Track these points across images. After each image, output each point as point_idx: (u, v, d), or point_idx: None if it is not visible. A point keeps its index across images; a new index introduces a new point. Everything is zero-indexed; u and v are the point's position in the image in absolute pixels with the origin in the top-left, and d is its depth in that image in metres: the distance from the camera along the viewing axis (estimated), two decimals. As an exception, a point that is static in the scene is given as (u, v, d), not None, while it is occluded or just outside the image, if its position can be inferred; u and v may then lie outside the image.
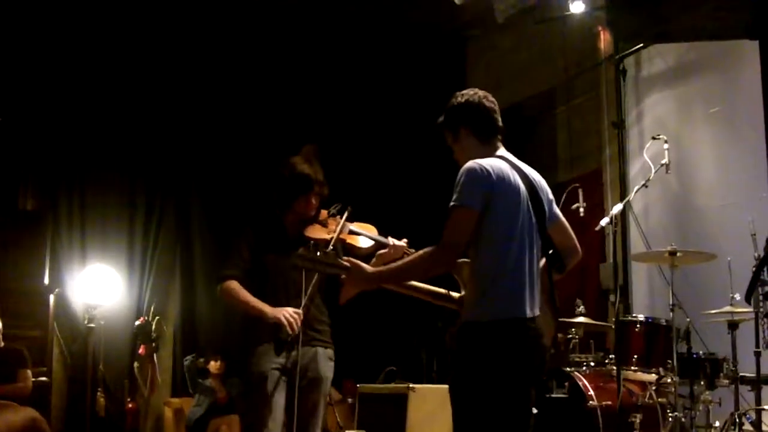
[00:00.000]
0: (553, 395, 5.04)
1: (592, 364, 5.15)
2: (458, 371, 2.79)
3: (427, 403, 5.32)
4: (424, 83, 8.01)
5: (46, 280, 6.85)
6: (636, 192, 5.17)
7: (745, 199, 5.49)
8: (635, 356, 4.81)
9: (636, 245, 6.18)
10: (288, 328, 3.66)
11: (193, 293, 7.56)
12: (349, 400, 6.87)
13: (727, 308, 4.71)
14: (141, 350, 7.00)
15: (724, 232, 5.56)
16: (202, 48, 7.60)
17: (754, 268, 4.29)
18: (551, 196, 3.07)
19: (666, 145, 5.17)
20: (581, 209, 5.33)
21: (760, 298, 4.29)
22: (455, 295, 3.05)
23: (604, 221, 4.98)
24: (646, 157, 5.35)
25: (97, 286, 6.85)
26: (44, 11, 7.00)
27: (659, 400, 4.77)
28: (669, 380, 4.73)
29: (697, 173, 6.08)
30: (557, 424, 4.83)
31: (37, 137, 7.09)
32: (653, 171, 5.14)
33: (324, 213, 3.92)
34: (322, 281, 3.74)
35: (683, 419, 4.65)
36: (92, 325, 6.73)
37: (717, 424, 4.74)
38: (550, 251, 2.96)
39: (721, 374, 4.77)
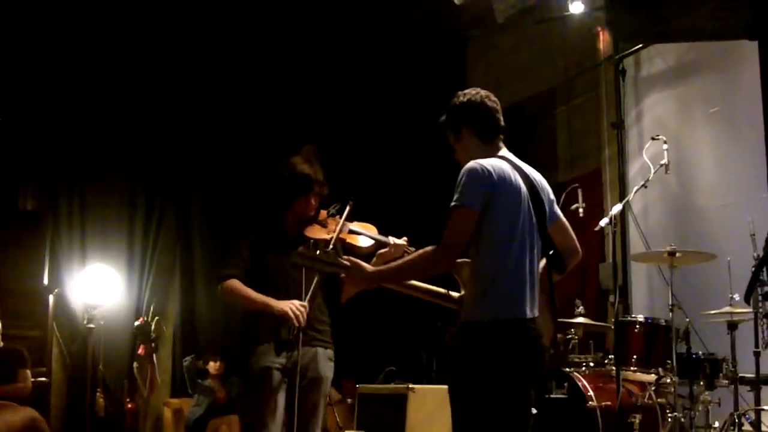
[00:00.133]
0: (553, 396, 5.04)
1: (592, 364, 5.15)
2: (457, 371, 2.79)
3: (426, 403, 5.32)
4: (424, 83, 8.01)
5: (46, 280, 6.85)
6: (635, 192, 5.17)
7: (745, 200, 5.49)
8: (635, 356, 4.81)
9: (635, 245, 6.18)
10: (295, 321, 3.65)
11: (192, 293, 7.56)
12: (349, 400, 6.87)
13: (727, 308, 4.71)
14: (140, 350, 7.00)
15: (723, 233, 5.56)
16: (202, 48, 7.60)
17: (753, 269, 4.28)
18: (552, 197, 3.07)
19: (665, 146, 5.17)
20: (581, 209, 5.33)
21: (760, 298, 4.29)
22: (455, 294, 3.05)
23: (603, 221, 4.98)
24: (646, 157, 5.35)
25: (97, 287, 6.84)
26: (44, 11, 7.00)
27: (659, 400, 4.77)
28: (668, 380, 4.73)
29: (697, 173, 6.08)
30: (557, 425, 4.83)
31: (37, 137, 7.09)
32: (653, 171, 5.14)
33: (323, 213, 3.92)
34: (322, 281, 3.74)
35: (682, 419, 4.66)
36: (92, 325, 6.73)
37: (716, 424, 4.74)
38: (551, 252, 2.96)
39: (721, 374, 4.77)
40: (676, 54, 6.35)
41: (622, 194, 6.22)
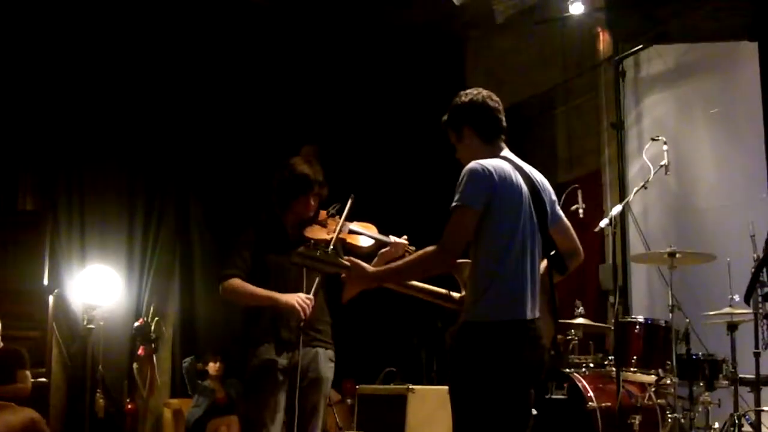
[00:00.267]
0: (553, 396, 5.03)
1: (592, 365, 5.14)
2: (457, 371, 2.79)
3: (426, 404, 5.32)
4: (423, 84, 8.01)
5: (46, 281, 6.83)
6: (635, 193, 5.17)
7: (745, 200, 5.49)
8: (634, 357, 4.81)
9: (635, 246, 6.19)
10: (301, 313, 3.65)
11: (192, 294, 7.55)
12: (349, 400, 6.86)
13: (727, 309, 4.71)
14: (140, 351, 7.00)
15: (723, 234, 5.55)
16: (201, 48, 7.60)
17: (753, 269, 4.29)
18: (554, 197, 3.07)
19: (665, 147, 5.17)
20: (580, 210, 5.33)
21: (759, 299, 4.29)
22: (456, 295, 3.05)
23: (603, 222, 4.98)
24: (646, 158, 5.35)
25: (97, 287, 6.83)
26: (43, 12, 7.00)
27: (658, 401, 4.77)
28: (668, 381, 4.73)
29: (697, 174, 6.08)
30: (556, 426, 4.82)
31: (37, 137, 7.08)
32: (652, 172, 5.15)
33: (323, 213, 3.92)
34: (323, 281, 3.75)
35: (682, 420, 4.66)
36: (91, 326, 6.72)
37: (716, 425, 4.74)
38: (552, 252, 2.96)
39: (721, 375, 4.77)
40: (676, 55, 6.36)
41: (621, 195, 6.23)
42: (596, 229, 5.06)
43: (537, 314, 2.84)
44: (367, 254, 3.64)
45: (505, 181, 2.83)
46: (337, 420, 6.25)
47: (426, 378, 7.19)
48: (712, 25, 5.57)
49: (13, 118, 6.86)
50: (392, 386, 5.77)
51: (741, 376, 4.69)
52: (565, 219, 3.09)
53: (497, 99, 3.05)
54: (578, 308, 5.29)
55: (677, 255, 4.83)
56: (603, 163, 6.94)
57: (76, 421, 6.72)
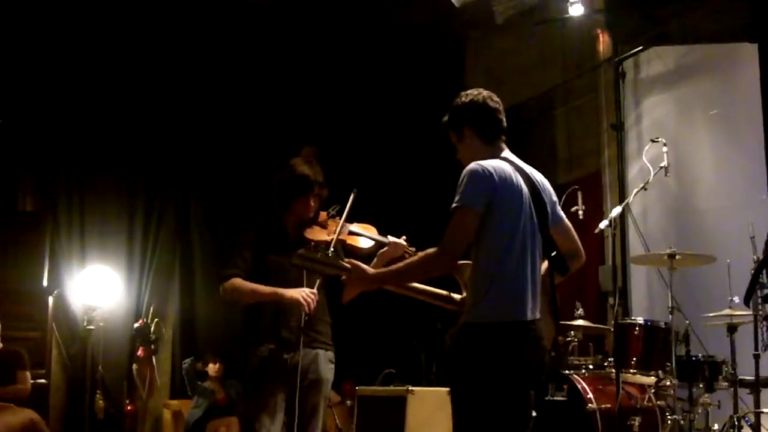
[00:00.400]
0: (552, 398, 5.03)
1: (591, 366, 5.14)
2: (457, 373, 2.79)
3: (425, 405, 5.31)
4: (422, 84, 8.01)
5: (45, 282, 6.83)
6: (635, 194, 5.17)
7: (744, 202, 5.50)
8: (634, 359, 4.81)
9: (635, 248, 6.19)
10: (306, 308, 3.66)
11: (192, 295, 7.55)
12: (348, 402, 6.86)
13: (726, 311, 4.71)
14: (140, 352, 7.00)
15: (723, 235, 5.56)
16: (201, 48, 7.60)
17: (753, 271, 4.29)
18: (555, 198, 3.06)
19: (665, 148, 5.17)
20: (580, 212, 5.33)
21: (759, 300, 4.29)
22: (456, 296, 3.04)
23: (603, 224, 4.98)
24: (645, 159, 5.35)
25: (96, 288, 6.83)
26: (43, 13, 7.00)
27: (658, 402, 4.76)
28: (668, 383, 4.72)
29: (696, 176, 6.08)
30: (556, 427, 4.82)
31: (37, 138, 7.08)
32: (652, 173, 5.14)
33: (323, 214, 3.93)
34: (324, 282, 3.75)
35: (682, 422, 4.66)
36: (91, 326, 6.72)
37: (716, 427, 4.74)
38: (553, 253, 2.96)
39: (720, 377, 4.77)
40: (676, 56, 6.36)
41: (621, 196, 6.23)
42: (596, 231, 5.06)
43: (538, 315, 2.83)
44: (367, 255, 3.65)
45: (505, 181, 2.83)
46: (337, 421, 6.26)
47: (425, 379, 7.18)
48: (712, 26, 5.58)
49: (13, 118, 6.86)
50: (392, 388, 5.76)
51: (741, 377, 4.69)
52: (566, 220, 3.09)
53: (498, 99, 3.05)
54: (578, 310, 5.29)
55: (677, 256, 4.83)
56: (603, 165, 6.94)
57: (76, 421, 6.72)
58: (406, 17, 7.83)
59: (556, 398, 4.99)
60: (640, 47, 6.42)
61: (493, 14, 6.64)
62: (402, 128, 8.02)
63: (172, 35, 7.49)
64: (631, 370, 4.81)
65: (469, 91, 3.06)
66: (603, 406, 4.70)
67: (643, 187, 5.13)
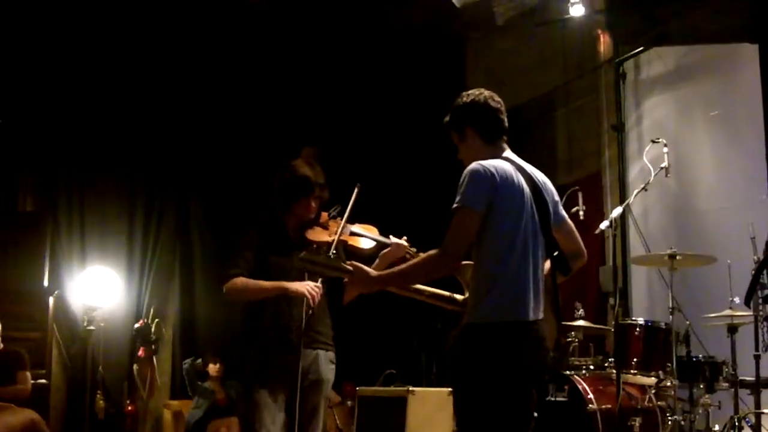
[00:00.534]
0: (553, 399, 5.03)
1: (592, 367, 5.15)
2: (460, 374, 2.78)
3: (426, 406, 5.32)
4: (423, 85, 8.01)
5: (46, 282, 6.83)
6: (636, 195, 5.17)
7: (745, 202, 5.50)
8: (635, 359, 4.81)
9: (635, 248, 6.19)
10: (311, 301, 3.66)
11: (192, 295, 7.55)
12: (349, 402, 6.86)
13: (727, 311, 4.71)
14: (140, 352, 7.00)
15: (723, 235, 5.56)
16: (201, 48, 7.60)
17: (753, 272, 4.29)
18: (557, 198, 3.06)
19: (665, 149, 5.18)
20: (581, 212, 5.34)
21: (760, 301, 4.29)
22: (459, 297, 3.04)
23: (603, 224, 4.99)
24: (646, 160, 5.36)
25: (97, 288, 6.83)
26: (43, 13, 7.00)
27: (659, 403, 4.77)
28: (668, 383, 4.73)
29: (697, 176, 6.09)
30: (557, 428, 4.83)
31: (37, 138, 7.08)
32: (653, 174, 5.15)
33: (324, 215, 3.92)
34: (324, 283, 3.74)
35: (682, 423, 4.66)
36: (91, 327, 6.72)
37: (716, 427, 4.74)
38: (555, 253, 2.95)
39: (721, 378, 4.77)
40: (676, 57, 6.36)
41: (622, 197, 6.23)
42: (596, 231, 5.06)
43: (540, 315, 2.82)
44: (369, 256, 3.65)
45: (506, 181, 2.82)
46: (338, 422, 6.26)
47: (426, 380, 7.19)
48: (712, 26, 5.59)
49: (14, 118, 6.86)
50: (392, 388, 5.77)
51: (741, 378, 4.69)
52: (569, 220, 3.08)
53: (499, 100, 3.04)
54: (578, 310, 5.29)
55: (677, 257, 4.84)
56: (603, 165, 6.94)
57: (76, 422, 6.72)
58: (406, 18, 7.83)
59: (556, 399, 5.00)
60: (641, 48, 6.43)
61: (493, 15, 6.64)
62: (402, 129, 8.02)
63: (172, 35, 7.49)
64: (632, 371, 4.81)
65: (470, 91, 3.05)
66: (603, 406, 4.71)
67: (643, 188, 5.14)
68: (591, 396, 4.75)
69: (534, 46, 7.57)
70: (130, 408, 6.98)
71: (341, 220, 3.71)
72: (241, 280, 3.80)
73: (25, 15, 6.94)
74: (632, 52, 6.54)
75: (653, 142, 5.33)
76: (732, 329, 4.76)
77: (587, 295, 6.48)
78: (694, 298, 5.28)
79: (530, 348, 2.76)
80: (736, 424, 4.51)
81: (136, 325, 7.06)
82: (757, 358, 4.43)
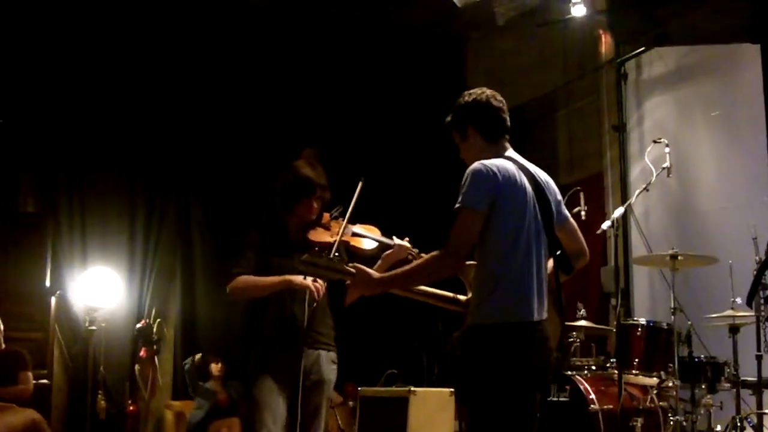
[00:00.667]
0: (554, 399, 5.03)
1: (593, 367, 5.14)
2: (465, 375, 2.77)
3: (427, 406, 5.32)
4: (423, 86, 8.01)
5: (47, 283, 6.84)
6: (637, 195, 5.17)
7: (747, 203, 5.50)
8: (636, 360, 4.81)
9: (637, 249, 6.19)
10: (315, 294, 3.66)
11: (193, 296, 7.55)
12: (350, 403, 6.87)
13: (729, 312, 4.71)
14: (142, 353, 7.00)
15: (725, 236, 5.56)
16: (201, 49, 7.60)
17: (755, 272, 4.29)
18: (559, 197, 3.05)
19: (667, 149, 5.18)
20: (582, 213, 5.34)
21: (762, 301, 4.29)
22: (462, 297, 3.03)
23: (605, 225, 4.98)
24: (647, 160, 5.36)
25: (98, 289, 6.83)
26: (44, 13, 7.00)
27: (660, 403, 4.77)
28: (670, 384, 4.72)
29: (698, 176, 6.09)
30: (558, 428, 4.82)
31: (37, 139, 7.08)
32: (654, 174, 5.15)
33: (326, 216, 3.92)
34: (326, 284, 3.74)
35: (684, 423, 4.66)
36: (93, 327, 6.72)
37: (718, 428, 4.74)
38: (558, 253, 2.94)
39: (723, 378, 4.77)
40: (677, 57, 6.36)
41: (623, 197, 6.23)
42: (598, 232, 5.05)
43: (544, 315, 2.81)
44: (371, 257, 3.64)
45: (509, 181, 2.81)
46: (339, 422, 6.26)
47: (427, 380, 7.18)
48: (713, 26, 5.59)
49: (14, 119, 6.86)
50: (394, 388, 5.76)
51: (743, 378, 4.68)
52: (571, 219, 3.08)
53: (501, 99, 3.03)
54: (580, 310, 5.29)
55: (679, 257, 4.83)
56: (605, 166, 6.94)
57: (78, 422, 6.72)
58: (406, 18, 7.83)
59: (558, 399, 5.00)
60: (642, 48, 6.43)
61: (494, 15, 6.63)
62: (403, 130, 8.01)
63: (173, 36, 7.49)
64: (634, 371, 4.81)
65: (472, 91, 3.04)
66: (605, 407, 4.70)
67: (645, 188, 5.14)
68: (593, 396, 4.75)
69: (535, 46, 7.57)
70: (131, 408, 6.98)
71: (343, 220, 3.70)
72: (244, 278, 3.80)
73: (26, 15, 6.94)
74: (633, 53, 6.54)
75: (655, 142, 5.32)
76: (734, 330, 4.75)
77: (589, 296, 6.48)
78: (696, 298, 5.28)
79: (535, 349, 2.75)
80: (738, 424, 4.50)
81: (138, 326, 7.06)
82: (758, 358, 4.41)
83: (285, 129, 7.52)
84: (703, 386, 4.75)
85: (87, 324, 6.74)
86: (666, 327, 4.89)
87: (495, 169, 2.80)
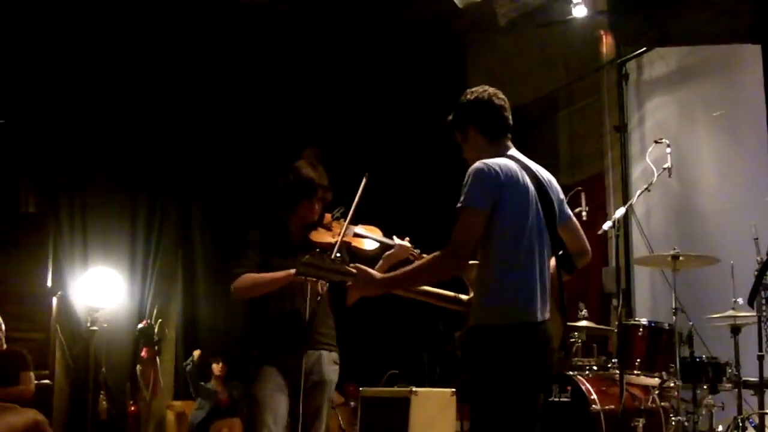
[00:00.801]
0: (556, 399, 5.03)
1: (595, 368, 5.13)
2: (467, 376, 2.75)
3: (429, 406, 5.32)
4: (424, 86, 8.02)
5: (49, 283, 6.85)
6: (638, 196, 5.17)
7: (748, 203, 5.49)
8: (638, 360, 4.80)
9: (638, 249, 6.19)
10: (320, 288, 3.66)
11: (195, 296, 7.56)
12: (352, 403, 6.87)
13: (730, 312, 4.70)
14: (143, 353, 7.01)
15: (726, 236, 5.55)
16: (202, 50, 7.61)
17: (756, 272, 4.29)
18: (562, 196, 3.04)
19: (668, 149, 5.17)
20: (584, 213, 5.33)
21: (763, 301, 4.29)
22: (464, 297, 3.03)
23: (606, 225, 4.98)
24: (649, 160, 5.35)
25: (100, 289, 6.84)
26: (45, 14, 7.01)
27: (662, 404, 4.76)
28: (672, 384, 4.72)
29: (700, 177, 6.08)
30: (560, 429, 4.82)
31: (39, 139, 7.10)
32: (655, 175, 5.15)
33: (328, 216, 3.92)
34: (328, 285, 3.74)
35: (686, 423, 4.65)
36: (94, 328, 6.73)
37: (720, 428, 4.73)
38: (561, 252, 2.92)
39: (724, 378, 4.76)
40: (678, 57, 6.36)
41: (624, 198, 6.23)
42: (599, 232, 5.04)
43: (547, 315, 2.80)
44: (372, 257, 3.64)
45: (511, 180, 2.79)
46: (341, 422, 6.26)
47: (428, 380, 7.18)
48: (714, 27, 5.58)
49: (15, 119, 6.87)
50: (395, 389, 5.76)
51: (744, 379, 4.67)
52: (574, 218, 3.07)
53: (503, 97, 3.00)
54: (581, 311, 5.29)
55: (680, 257, 4.83)
56: (606, 166, 6.94)
57: (79, 423, 6.73)
58: (407, 18, 7.83)
59: (560, 399, 4.99)
60: (643, 49, 6.43)
61: (495, 16, 6.63)
62: (404, 130, 8.02)
63: (173, 36, 7.50)
64: (635, 372, 4.80)
65: (474, 89, 3.01)
66: (607, 407, 4.70)
67: (646, 189, 5.14)
68: (594, 397, 4.74)
69: (536, 46, 7.57)
70: (132, 409, 6.99)
71: (344, 221, 3.70)
72: (247, 277, 3.79)
73: (27, 16, 6.94)
74: (634, 53, 6.54)
75: (656, 142, 5.32)
76: (735, 330, 4.75)
77: (590, 296, 6.47)
78: (697, 298, 5.27)
79: (538, 350, 2.73)
80: (740, 424, 4.50)
81: (139, 326, 7.07)
82: (760, 358, 4.42)
83: (286, 129, 7.53)
84: (705, 386, 4.75)
85: (88, 324, 6.75)
86: (667, 327, 4.89)
87: (497, 168, 2.78)
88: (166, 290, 7.45)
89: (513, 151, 2.97)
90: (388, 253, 3.64)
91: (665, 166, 5.15)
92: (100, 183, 7.37)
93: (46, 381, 6.34)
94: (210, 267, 7.54)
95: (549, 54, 7.52)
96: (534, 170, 2.93)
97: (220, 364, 6.84)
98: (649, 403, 4.74)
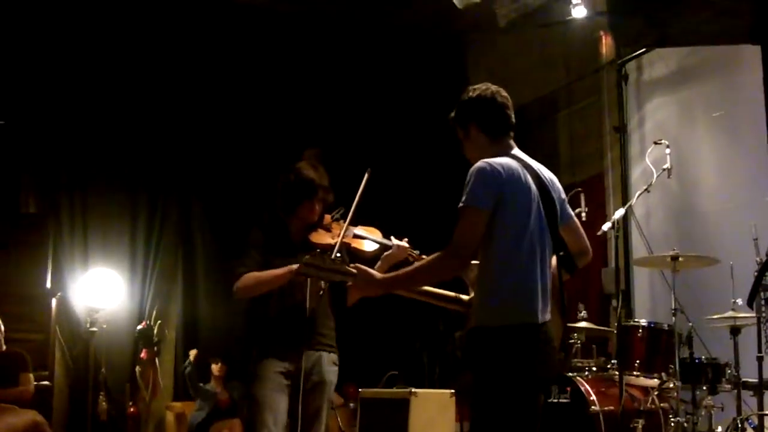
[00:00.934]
0: (555, 400, 5.02)
1: (594, 369, 5.13)
2: (468, 376, 2.75)
3: (428, 407, 5.32)
4: (424, 86, 8.02)
5: (48, 284, 6.84)
6: (638, 196, 5.17)
7: (747, 204, 5.49)
8: (637, 361, 4.80)
9: (638, 250, 6.18)
10: (321, 284, 3.66)
11: (195, 297, 7.56)
12: (351, 404, 6.87)
13: (730, 313, 4.70)
14: (143, 354, 7.01)
15: (726, 237, 5.55)
16: (203, 50, 7.61)
17: (756, 273, 4.29)
18: (563, 196, 3.02)
19: (668, 150, 5.18)
20: (583, 214, 5.33)
21: (763, 302, 4.29)
22: (465, 297, 3.02)
23: (606, 226, 4.98)
24: (648, 161, 5.36)
25: (99, 290, 6.84)
26: (45, 15, 7.01)
27: (661, 405, 4.76)
28: (671, 385, 4.72)
29: (699, 177, 6.08)
30: (559, 430, 4.82)
31: (39, 140, 7.09)
32: (655, 175, 5.15)
33: (328, 217, 3.92)
34: (328, 286, 3.74)
35: (685, 424, 4.65)
36: (94, 328, 6.72)
37: (719, 429, 4.73)
38: (562, 252, 2.91)
39: (724, 379, 4.76)
40: (678, 58, 6.36)
41: (624, 199, 6.23)
42: (599, 233, 5.05)
43: (548, 316, 2.78)
44: (371, 258, 3.64)
45: (513, 179, 2.77)
46: (340, 424, 6.26)
47: (428, 381, 7.18)
48: (714, 27, 5.58)
49: (16, 119, 6.87)
50: (395, 390, 5.76)
51: (744, 379, 4.67)
52: (575, 218, 3.06)
53: (506, 95, 2.97)
54: (581, 312, 5.29)
55: (680, 258, 4.83)
56: (605, 167, 6.94)
57: (79, 424, 6.73)
58: (407, 18, 7.83)
59: (559, 400, 4.99)
60: (643, 49, 6.42)
61: (495, 17, 6.63)
62: (404, 130, 8.02)
63: (174, 37, 7.50)
64: (634, 373, 4.80)
65: (476, 86, 2.98)
66: (606, 408, 4.70)
67: (645, 189, 5.14)
68: (593, 398, 4.74)
69: (536, 47, 7.57)
70: (132, 410, 6.98)
71: (344, 222, 3.70)
72: (249, 275, 3.79)
73: (27, 16, 6.94)
74: (634, 54, 6.54)
75: (656, 143, 5.32)
76: (735, 331, 4.75)
77: (590, 297, 6.47)
78: (697, 299, 5.27)
79: (539, 351, 2.72)
80: (739, 425, 4.50)
81: (139, 327, 7.07)
82: (760, 359, 4.42)
83: (286, 129, 7.53)
84: (704, 387, 4.75)
85: (88, 325, 6.75)
86: (667, 328, 4.88)
87: (499, 167, 2.76)
88: (166, 291, 7.44)
89: (515, 150, 2.94)
90: (387, 253, 3.64)
91: (665, 166, 5.15)
92: (100, 183, 7.36)
93: (46, 382, 6.34)
94: (210, 267, 7.54)
95: (549, 54, 7.52)
96: (536, 169, 2.90)
97: (219, 364, 6.83)
98: (648, 404, 4.74)
